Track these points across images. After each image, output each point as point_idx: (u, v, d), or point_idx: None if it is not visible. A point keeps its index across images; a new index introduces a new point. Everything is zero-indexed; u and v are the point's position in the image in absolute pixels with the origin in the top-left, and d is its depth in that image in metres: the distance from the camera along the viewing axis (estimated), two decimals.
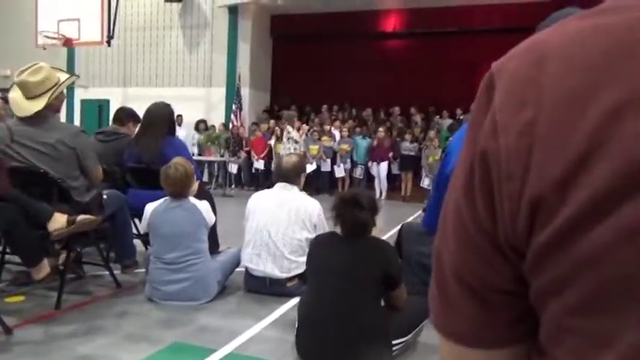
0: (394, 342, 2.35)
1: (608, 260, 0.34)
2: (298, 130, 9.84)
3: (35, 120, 2.97)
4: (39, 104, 2.97)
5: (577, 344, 0.36)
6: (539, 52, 0.39)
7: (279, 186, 3.46)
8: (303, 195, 3.46)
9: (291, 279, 3.29)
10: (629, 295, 0.33)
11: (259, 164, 11.01)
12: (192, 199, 3.20)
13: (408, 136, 10.36)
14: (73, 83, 12.72)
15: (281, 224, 3.28)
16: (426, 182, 9.65)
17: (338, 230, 2.41)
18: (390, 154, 10.31)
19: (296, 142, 9.97)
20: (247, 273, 3.40)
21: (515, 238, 0.39)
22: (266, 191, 3.60)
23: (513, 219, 0.39)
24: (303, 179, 3.56)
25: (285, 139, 10.01)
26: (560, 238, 0.36)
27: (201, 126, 11.70)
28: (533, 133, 0.37)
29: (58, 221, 2.83)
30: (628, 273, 0.33)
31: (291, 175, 3.44)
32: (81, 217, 2.90)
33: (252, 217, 3.39)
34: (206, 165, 11.16)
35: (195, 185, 3.29)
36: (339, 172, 10.51)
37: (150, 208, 3.18)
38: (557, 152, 0.36)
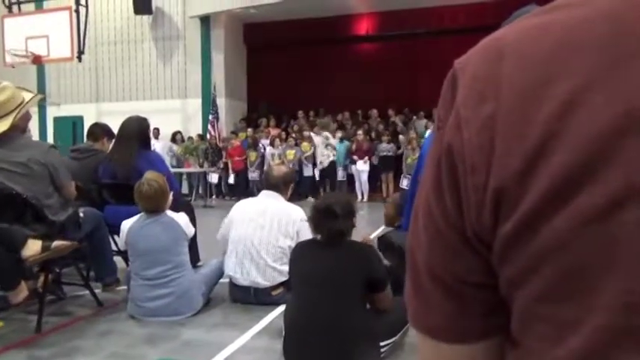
0: (382, 343, 2.35)
1: (569, 248, 0.35)
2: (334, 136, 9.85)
3: (2, 141, 2.91)
4: (4, 125, 2.91)
5: (545, 331, 0.38)
6: (497, 50, 0.40)
7: (265, 194, 3.45)
8: (286, 202, 3.44)
9: (275, 287, 3.27)
10: (590, 281, 0.35)
11: (232, 179, 10.96)
12: (169, 213, 3.17)
13: (385, 138, 10.44)
14: (45, 101, 12.51)
15: (263, 232, 3.26)
16: (404, 183, 9.71)
17: (319, 237, 2.41)
18: (366, 157, 10.37)
19: (334, 148, 9.93)
20: (231, 283, 3.37)
21: (481, 230, 0.40)
22: (249, 199, 3.57)
23: (479, 212, 0.40)
24: (290, 191, 3.53)
25: (322, 146, 9.94)
26: (523, 229, 0.37)
27: (177, 137, 11.62)
28: (493, 126, 0.38)
29: (32, 248, 2.76)
30: (588, 260, 0.34)
31: (279, 185, 3.42)
32: (56, 243, 2.84)
33: (235, 227, 3.36)
34: (185, 176, 11.07)
35: (170, 198, 3.25)
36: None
37: (126, 225, 3.13)
38: (516, 144, 0.37)
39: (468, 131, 0.39)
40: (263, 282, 3.25)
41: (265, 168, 10.69)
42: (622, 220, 0.33)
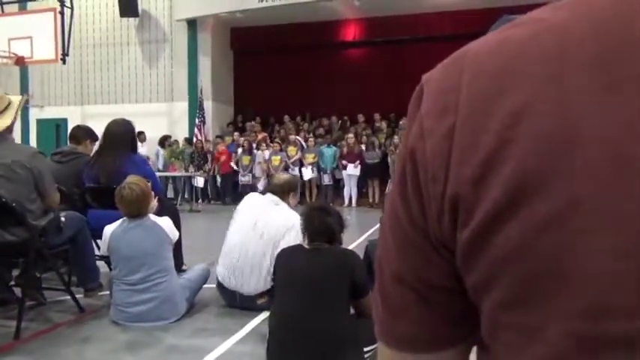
0: (365, 349, 2.34)
1: (525, 255, 0.35)
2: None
3: None
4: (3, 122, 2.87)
5: (510, 338, 0.38)
6: (458, 64, 0.41)
7: (269, 197, 3.39)
8: (282, 212, 3.31)
9: (261, 295, 3.23)
10: (548, 287, 0.35)
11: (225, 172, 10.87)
12: (152, 217, 3.13)
13: (375, 143, 10.47)
14: (27, 103, 12.33)
15: (250, 247, 3.22)
16: (389, 187, 9.75)
17: (305, 244, 2.42)
18: (357, 162, 10.41)
19: None
20: (219, 284, 3.34)
21: (443, 237, 0.41)
22: (256, 198, 3.50)
23: (440, 219, 0.40)
24: (293, 200, 3.46)
25: None
26: (480, 236, 0.37)
27: (166, 142, 11.47)
28: (452, 137, 0.39)
29: None
30: (544, 267, 0.35)
31: (277, 192, 3.37)
32: None
33: (232, 231, 3.33)
34: (171, 181, 10.97)
35: (154, 202, 3.21)
36: (307, 174, 10.52)
37: (108, 230, 3.09)
38: (470, 152, 0.38)
39: (430, 141, 0.40)
40: (248, 290, 3.22)
41: (255, 172, 10.67)
42: (572, 227, 0.34)
